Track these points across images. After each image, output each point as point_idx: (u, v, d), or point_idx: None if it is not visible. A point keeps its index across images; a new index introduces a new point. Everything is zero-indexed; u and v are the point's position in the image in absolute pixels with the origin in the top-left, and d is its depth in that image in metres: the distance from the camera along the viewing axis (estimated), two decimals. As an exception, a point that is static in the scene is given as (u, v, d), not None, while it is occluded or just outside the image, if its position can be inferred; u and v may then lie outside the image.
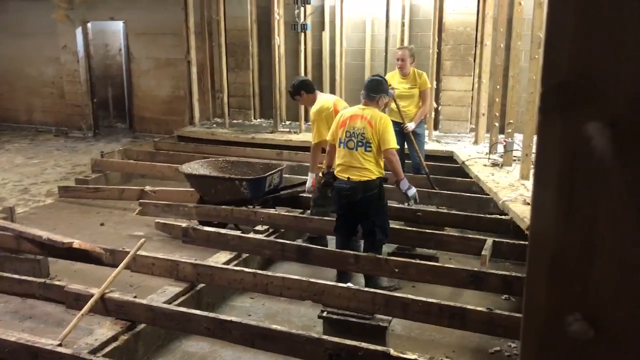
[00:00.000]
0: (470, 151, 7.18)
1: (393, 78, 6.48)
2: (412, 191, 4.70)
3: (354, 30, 8.84)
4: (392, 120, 4.77)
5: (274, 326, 3.40)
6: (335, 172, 4.59)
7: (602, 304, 0.48)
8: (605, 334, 0.49)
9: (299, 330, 3.57)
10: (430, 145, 7.48)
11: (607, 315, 0.48)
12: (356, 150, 4.44)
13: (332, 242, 5.32)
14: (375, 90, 4.56)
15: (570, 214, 0.49)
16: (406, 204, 4.77)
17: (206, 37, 9.58)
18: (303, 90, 5.32)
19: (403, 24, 8.30)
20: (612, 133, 0.46)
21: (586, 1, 0.45)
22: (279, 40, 8.59)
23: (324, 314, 3.79)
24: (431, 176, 6.31)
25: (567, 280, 0.50)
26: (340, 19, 8.49)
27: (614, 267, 0.48)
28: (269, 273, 4.12)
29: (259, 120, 9.72)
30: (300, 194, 5.82)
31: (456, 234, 5.19)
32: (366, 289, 3.85)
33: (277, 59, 8.56)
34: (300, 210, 5.82)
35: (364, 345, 3.13)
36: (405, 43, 8.17)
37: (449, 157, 7.21)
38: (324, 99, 5.28)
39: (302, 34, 8.48)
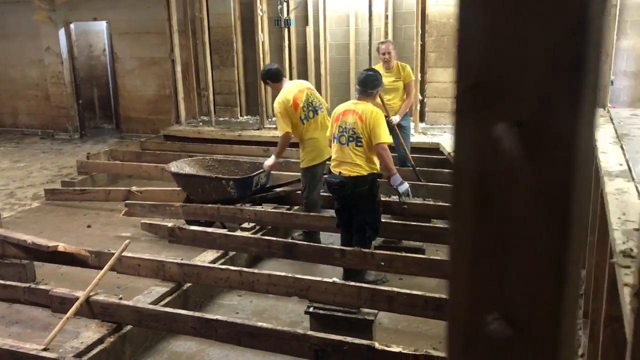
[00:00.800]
0: (456, 142, 7.19)
1: (377, 72, 6.47)
2: (404, 187, 4.69)
3: (338, 24, 8.82)
4: None
5: (259, 323, 3.40)
6: (330, 166, 4.61)
7: (518, 303, 0.49)
8: (522, 333, 0.49)
9: (287, 326, 3.58)
10: (416, 138, 7.49)
11: (523, 314, 0.49)
12: (347, 145, 4.45)
13: (324, 238, 5.35)
14: (371, 86, 4.55)
15: (485, 215, 0.49)
16: (399, 199, 4.78)
17: (190, 35, 9.53)
18: (269, 79, 5.48)
19: (386, 17, 8.29)
20: (520, 134, 0.46)
21: (491, 4, 0.46)
22: (263, 36, 8.57)
23: (311, 309, 3.80)
24: (417, 168, 6.32)
25: (485, 280, 0.50)
26: (323, 13, 8.47)
27: (527, 268, 0.48)
28: (255, 270, 4.13)
29: (245, 117, 9.70)
30: (288, 193, 5.84)
31: (442, 226, 5.21)
32: (352, 283, 3.86)
33: (261, 56, 8.53)
34: (287, 207, 5.82)
35: (349, 339, 3.14)
36: (389, 36, 8.17)
37: (435, 149, 7.23)
38: (286, 91, 5.27)
39: (286, 29, 8.46)
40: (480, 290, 0.51)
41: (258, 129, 8.59)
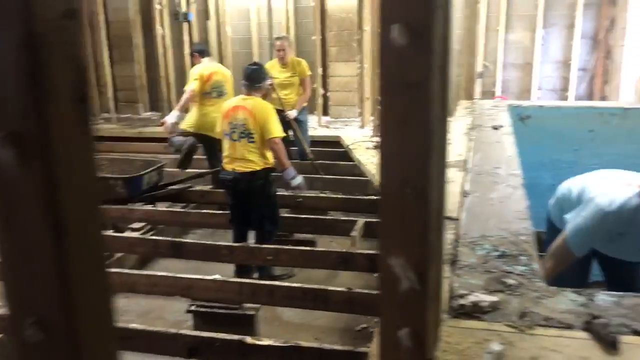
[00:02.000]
0: (357, 135, 7.33)
1: (273, 67, 6.47)
2: (297, 181, 4.73)
3: (240, 19, 8.77)
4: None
5: (132, 325, 3.34)
6: (222, 164, 4.57)
7: (45, 308, 0.51)
8: (52, 337, 0.51)
9: (172, 326, 3.55)
10: (319, 131, 7.58)
11: (51, 318, 0.51)
12: (239, 141, 4.41)
13: (219, 236, 5.32)
14: (257, 79, 4.53)
15: (8, 224, 0.50)
16: (293, 192, 4.85)
17: (89, 31, 9.17)
18: (197, 52, 6.27)
19: (287, 11, 8.31)
20: (10, 145, 0.47)
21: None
22: (162, 30, 8.38)
23: (192, 307, 3.77)
24: (318, 161, 6.41)
25: (21, 285, 0.52)
26: (223, 7, 8.38)
27: (44, 274, 0.50)
28: (133, 272, 4.06)
29: (149, 113, 9.45)
30: (179, 191, 5.78)
31: (330, 218, 5.31)
32: (232, 279, 3.87)
33: (161, 50, 8.35)
34: (183, 205, 5.75)
35: (220, 336, 3.14)
36: (291, 30, 8.21)
37: (336, 142, 7.33)
38: (206, 64, 6.02)
39: (186, 23, 8.31)
40: (19, 296, 0.52)
41: (160, 125, 8.39)
